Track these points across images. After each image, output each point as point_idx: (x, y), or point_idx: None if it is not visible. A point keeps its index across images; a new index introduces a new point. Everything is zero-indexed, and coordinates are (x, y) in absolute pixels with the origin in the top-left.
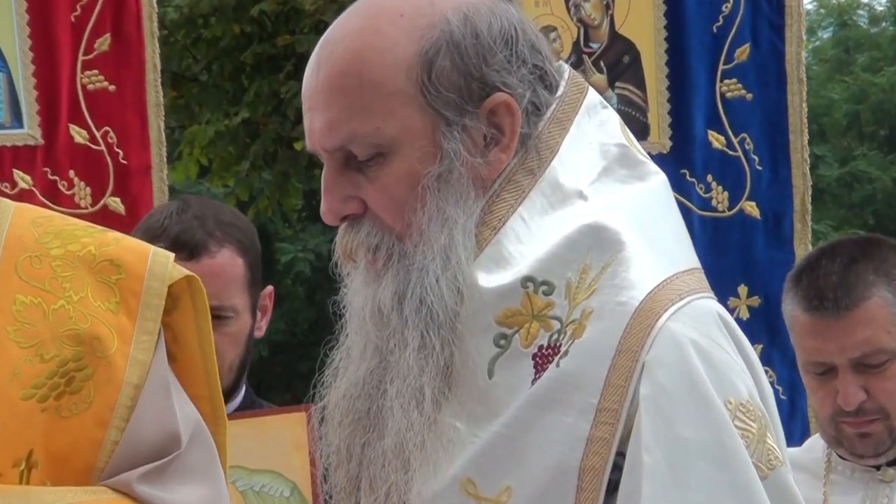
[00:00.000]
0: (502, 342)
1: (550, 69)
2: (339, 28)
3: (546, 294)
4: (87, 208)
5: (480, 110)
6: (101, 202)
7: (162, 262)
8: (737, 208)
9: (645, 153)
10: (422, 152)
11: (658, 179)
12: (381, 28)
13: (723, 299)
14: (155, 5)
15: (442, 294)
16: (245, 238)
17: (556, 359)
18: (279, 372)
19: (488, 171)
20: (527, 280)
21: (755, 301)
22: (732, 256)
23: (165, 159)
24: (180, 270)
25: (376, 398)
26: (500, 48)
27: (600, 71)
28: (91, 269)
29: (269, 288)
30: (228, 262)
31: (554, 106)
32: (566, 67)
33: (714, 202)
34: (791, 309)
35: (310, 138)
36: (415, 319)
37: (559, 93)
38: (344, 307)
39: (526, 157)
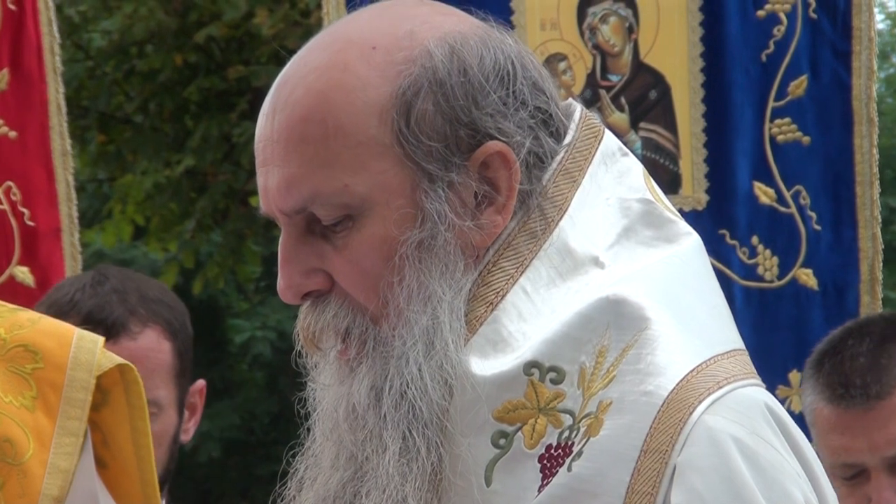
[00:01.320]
0: (502, 442)
1: (556, 112)
2: (300, 65)
3: (555, 383)
4: None
5: (470, 163)
6: (7, 272)
7: (89, 349)
8: (789, 277)
9: (675, 210)
10: (399, 214)
11: (690, 242)
12: (350, 64)
13: (770, 388)
14: (56, 35)
15: (426, 386)
16: (175, 318)
17: (568, 461)
18: (234, 476)
19: (480, 236)
20: (531, 366)
21: None
22: (783, 336)
23: (77, 220)
24: (111, 358)
25: None
26: (494, 87)
27: (621, 109)
28: (1, 358)
29: (201, 382)
30: (153, 346)
31: (562, 155)
32: (577, 107)
33: (761, 270)
34: (812, 401)
35: (264, 199)
36: (394, 417)
37: (568, 139)
38: (310, 405)
39: (527, 218)
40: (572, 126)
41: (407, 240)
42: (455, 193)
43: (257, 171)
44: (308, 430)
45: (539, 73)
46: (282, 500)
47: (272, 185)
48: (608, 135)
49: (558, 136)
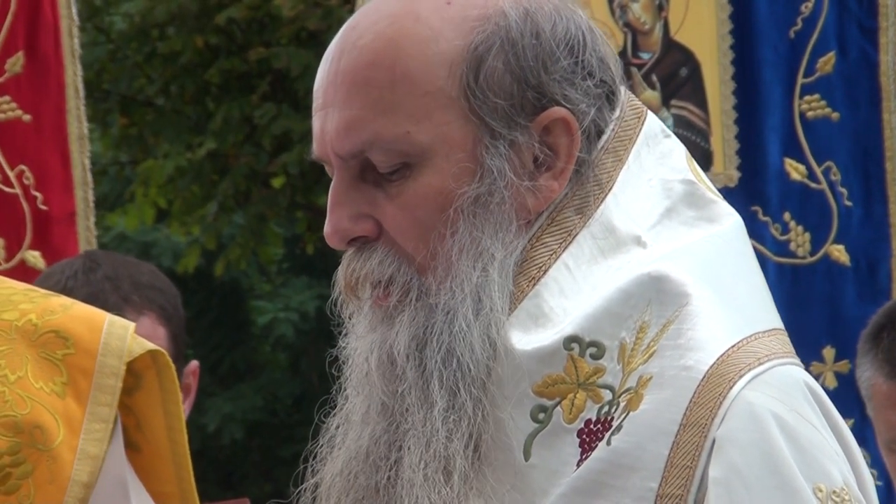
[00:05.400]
0: (541, 416)
1: (618, 90)
2: (370, 12)
3: (595, 358)
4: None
5: (533, 125)
6: (18, 256)
7: (119, 335)
8: (821, 253)
9: (716, 190)
10: (458, 167)
11: (732, 222)
12: (423, 15)
13: (804, 364)
14: (75, 17)
15: (473, 346)
16: (167, 303)
17: (607, 435)
18: (256, 458)
19: (535, 200)
20: (571, 340)
21: (844, 366)
22: (816, 312)
23: (93, 204)
24: (142, 344)
25: (385, 470)
26: (564, 54)
27: (652, 86)
28: (32, 343)
29: (194, 364)
30: (149, 333)
31: (608, 134)
32: (621, 87)
33: (793, 246)
34: (870, 375)
35: (319, 142)
36: (442, 373)
37: (615, 117)
38: (344, 361)
39: (577, 191)
40: (618, 106)
41: (464, 193)
42: (515, 153)
43: (314, 116)
44: (340, 388)
45: (606, 49)
46: (314, 459)
47: (330, 128)
48: (651, 116)
49: (615, 112)
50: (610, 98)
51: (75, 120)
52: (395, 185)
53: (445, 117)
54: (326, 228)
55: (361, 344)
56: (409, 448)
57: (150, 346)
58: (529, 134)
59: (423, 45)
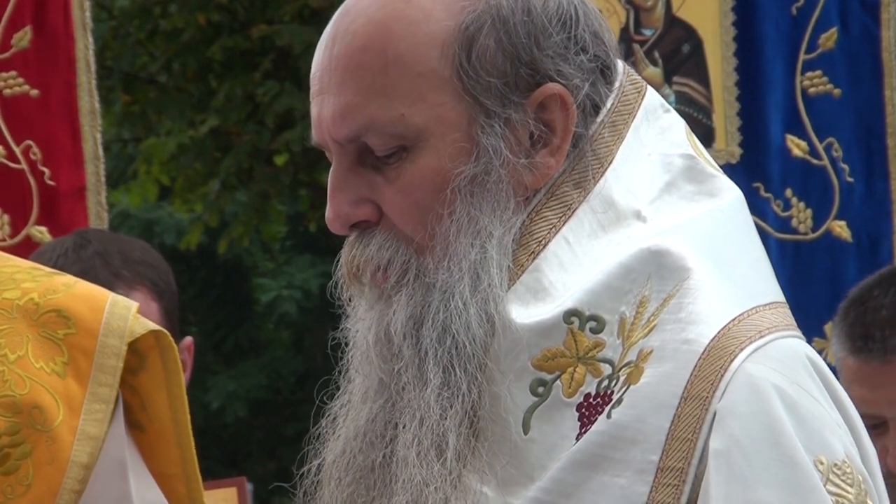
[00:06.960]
0: (540, 390)
1: (614, 64)
2: None
3: (594, 332)
4: (4, 240)
5: (528, 102)
6: (23, 232)
7: (121, 315)
8: (823, 229)
9: (716, 165)
10: (454, 148)
11: (732, 196)
12: None
13: (806, 340)
14: None
15: (469, 323)
16: (159, 278)
17: (607, 409)
18: (260, 437)
19: (533, 177)
20: (571, 314)
21: None
22: (817, 288)
23: (104, 179)
24: (144, 324)
25: (382, 448)
26: (556, 29)
27: (654, 63)
28: (33, 322)
29: (188, 340)
30: (140, 307)
31: (607, 108)
32: (620, 63)
33: (795, 222)
34: (837, 350)
35: (317, 128)
36: (437, 351)
37: (612, 94)
38: (346, 343)
39: (573, 168)
40: (617, 81)
41: (461, 173)
42: (511, 131)
43: (311, 101)
44: (342, 371)
45: (600, 24)
46: (316, 441)
47: (327, 114)
48: (651, 91)
49: (612, 87)
50: (604, 72)
51: (86, 94)
52: (392, 169)
53: (439, 98)
54: (328, 214)
55: (361, 324)
56: (403, 426)
57: (153, 326)
58: (524, 111)
59: (413, 26)
